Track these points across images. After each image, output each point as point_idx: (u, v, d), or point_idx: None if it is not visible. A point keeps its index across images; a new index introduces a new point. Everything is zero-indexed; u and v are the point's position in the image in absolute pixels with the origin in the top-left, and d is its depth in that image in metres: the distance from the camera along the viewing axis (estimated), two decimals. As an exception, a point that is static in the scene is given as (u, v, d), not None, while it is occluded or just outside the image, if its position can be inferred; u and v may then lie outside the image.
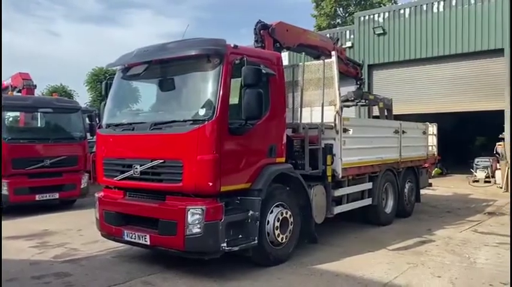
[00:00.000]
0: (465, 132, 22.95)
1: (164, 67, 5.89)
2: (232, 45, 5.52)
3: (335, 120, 7.17)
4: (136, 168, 5.66)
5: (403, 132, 9.46)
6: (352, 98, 10.90)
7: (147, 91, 6.33)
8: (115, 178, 5.99)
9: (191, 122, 5.28)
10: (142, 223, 5.75)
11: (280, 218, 5.97)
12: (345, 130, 7.35)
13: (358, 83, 11.30)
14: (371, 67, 18.10)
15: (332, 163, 7.06)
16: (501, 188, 14.86)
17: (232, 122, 5.35)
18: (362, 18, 18.73)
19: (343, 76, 11.05)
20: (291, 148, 6.62)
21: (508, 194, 13.96)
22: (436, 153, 11.49)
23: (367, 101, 11.14)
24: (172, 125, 5.43)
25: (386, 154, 8.80)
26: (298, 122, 6.95)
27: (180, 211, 5.22)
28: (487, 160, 16.78)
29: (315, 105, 7.47)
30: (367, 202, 8.32)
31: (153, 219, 5.53)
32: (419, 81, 17.31)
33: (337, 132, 7.20)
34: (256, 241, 5.48)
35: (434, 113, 16.02)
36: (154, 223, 5.50)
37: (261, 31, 7.23)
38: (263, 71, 5.62)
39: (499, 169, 15.74)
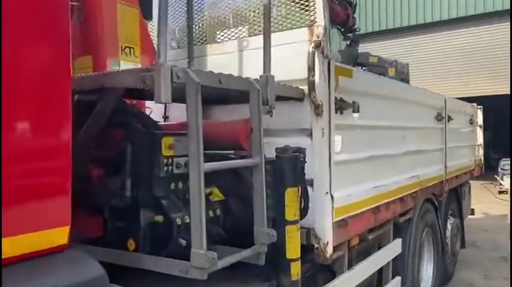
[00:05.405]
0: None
1: None
2: None
3: (312, 70, 2.21)
4: None
5: (449, 119, 4.61)
6: (340, 61, 6.00)
7: None
8: None
9: None
10: None
11: None
12: (342, 106, 2.41)
13: (350, 36, 6.46)
14: (356, 38, 13.33)
15: (305, 213, 2.10)
16: (545, 204, 10.33)
17: None
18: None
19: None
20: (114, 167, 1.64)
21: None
22: (482, 158, 6.69)
23: (365, 67, 6.27)
24: None
25: (426, 167, 3.92)
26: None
27: None
28: (515, 162, 12.16)
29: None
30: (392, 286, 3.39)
31: None
32: (420, 56, 12.65)
33: (317, 111, 2.24)
34: None
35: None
36: None
37: None
38: None
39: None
